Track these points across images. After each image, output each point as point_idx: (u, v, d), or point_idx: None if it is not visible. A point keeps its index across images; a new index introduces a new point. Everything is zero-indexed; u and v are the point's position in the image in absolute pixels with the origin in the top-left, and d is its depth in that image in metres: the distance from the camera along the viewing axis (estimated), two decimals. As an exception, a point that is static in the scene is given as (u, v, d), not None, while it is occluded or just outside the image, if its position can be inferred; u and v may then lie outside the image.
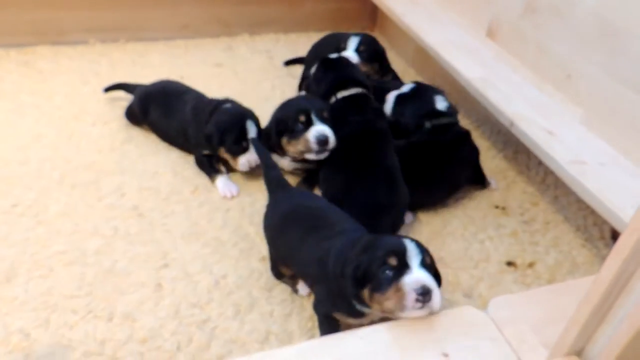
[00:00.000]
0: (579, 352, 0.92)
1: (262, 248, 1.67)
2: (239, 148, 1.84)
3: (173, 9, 2.82)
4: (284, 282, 1.56)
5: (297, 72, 2.62)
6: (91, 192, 1.82)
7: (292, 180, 1.96)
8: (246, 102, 2.35)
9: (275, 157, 1.90)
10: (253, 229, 1.74)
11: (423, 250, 1.24)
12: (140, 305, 1.45)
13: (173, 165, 1.98)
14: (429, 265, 1.22)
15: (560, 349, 0.92)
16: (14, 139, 2.01)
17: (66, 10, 2.63)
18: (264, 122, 1.98)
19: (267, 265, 1.61)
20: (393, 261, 1.17)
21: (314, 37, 2.76)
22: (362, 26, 3.11)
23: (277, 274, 1.56)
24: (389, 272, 1.16)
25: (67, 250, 1.59)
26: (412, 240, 1.27)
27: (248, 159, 1.84)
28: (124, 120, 2.17)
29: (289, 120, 1.81)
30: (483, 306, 1.54)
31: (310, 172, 1.94)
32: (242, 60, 2.74)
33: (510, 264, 1.72)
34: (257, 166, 1.86)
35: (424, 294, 1.11)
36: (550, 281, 1.66)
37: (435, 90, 1.98)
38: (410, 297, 1.11)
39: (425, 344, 1.03)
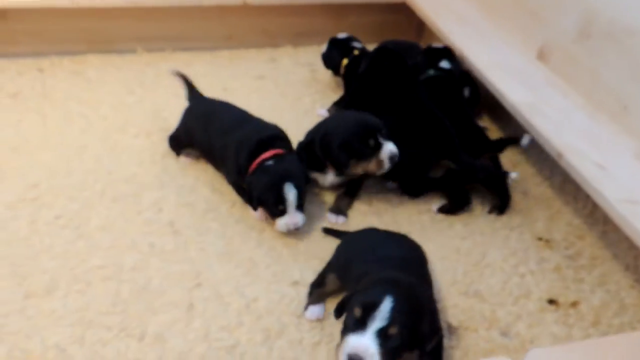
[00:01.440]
0: None
1: (295, 272, 1.66)
2: (277, 211, 1.75)
3: (219, 19, 2.86)
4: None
5: (337, 87, 2.60)
6: (130, 205, 1.85)
7: (329, 197, 1.95)
8: (286, 116, 2.37)
9: (314, 174, 1.93)
10: (287, 251, 1.74)
11: None
12: (171, 326, 1.47)
13: (212, 181, 1.99)
14: None
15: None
16: (61, 149, 2.07)
17: (116, 20, 2.70)
18: (298, 140, 1.99)
19: (298, 290, 1.60)
20: None
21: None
22: (407, 38, 3.05)
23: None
24: None
25: (104, 265, 1.62)
26: None
27: (286, 222, 1.75)
28: (165, 133, 2.20)
29: (357, 144, 1.80)
30: (521, 347, 1.50)
31: (350, 185, 1.96)
32: (284, 73, 2.75)
33: (551, 301, 1.64)
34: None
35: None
36: (595, 323, 1.57)
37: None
38: None
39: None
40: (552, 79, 2.05)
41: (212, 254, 1.70)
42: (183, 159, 2.07)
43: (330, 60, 2.54)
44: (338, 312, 1.28)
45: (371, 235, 1.68)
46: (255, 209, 1.81)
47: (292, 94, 2.58)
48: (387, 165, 1.80)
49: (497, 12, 2.43)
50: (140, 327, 1.45)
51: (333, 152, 1.83)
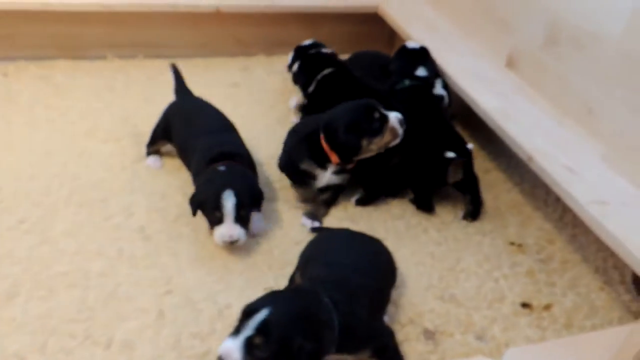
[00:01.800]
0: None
1: (269, 279, 1.63)
2: (214, 218, 1.64)
3: (192, 27, 2.84)
4: None
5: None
6: (98, 211, 1.79)
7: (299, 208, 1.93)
8: (259, 124, 2.35)
9: (315, 170, 1.90)
10: (260, 258, 1.70)
11: None
12: (140, 333, 1.41)
13: (184, 186, 1.95)
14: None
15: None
16: (26, 153, 2.00)
17: (86, 26, 2.65)
18: (271, 148, 2.00)
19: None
20: None
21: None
22: (379, 49, 3.09)
23: None
24: None
25: (69, 271, 1.56)
26: None
27: (222, 232, 1.62)
28: (135, 138, 2.15)
29: (364, 121, 1.78)
30: (496, 350, 1.50)
31: (330, 193, 1.96)
32: (258, 81, 2.74)
33: (525, 305, 1.65)
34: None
35: None
36: (567, 326, 1.58)
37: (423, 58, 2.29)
38: None
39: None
40: (521, 86, 2.09)
41: (184, 260, 1.66)
42: (151, 160, 2.03)
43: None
44: None
45: (337, 236, 1.64)
46: (193, 213, 1.69)
47: (266, 102, 2.57)
48: (400, 131, 1.80)
49: (467, 22, 2.48)
50: (107, 334, 1.40)
51: (340, 138, 1.79)
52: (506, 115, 1.93)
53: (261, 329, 1.11)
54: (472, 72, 2.20)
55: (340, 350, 1.25)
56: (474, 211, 1.95)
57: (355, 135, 1.79)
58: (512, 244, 1.87)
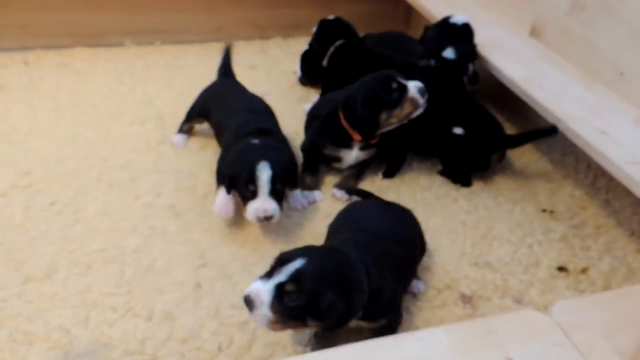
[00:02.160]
0: (662, 359, 0.84)
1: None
2: (247, 192, 1.56)
3: (208, 12, 2.83)
4: None
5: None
6: (128, 191, 1.80)
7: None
8: (279, 103, 2.34)
9: (340, 152, 1.88)
10: (292, 229, 1.70)
11: None
12: (179, 304, 1.42)
13: (210, 164, 1.94)
14: None
15: (640, 354, 0.85)
16: (52, 138, 2.01)
17: (103, 13, 2.65)
18: (293, 126, 2.03)
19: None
20: None
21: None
22: (396, 27, 3.06)
23: None
24: None
25: (105, 248, 1.57)
26: None
27: (256, 207, 1.54)
28: (159, 121, 2.16)
29: (380, 94, 1.73)
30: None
31: (359, 167, 1.94)
32: (275, 62, 2.73)
33: (561, 269, 1.63)
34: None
35: None
36: (606, 288, 1.57)
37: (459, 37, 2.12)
38: None
39: (487, 348, 0.97)
40: (547, 54, 2.06)
41: (216, 235, 1.66)
42: (178, 138, 2.03)
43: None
44: None
45: (366, 206, 1.62)
46: (228, 191, 1.60)
47: (285, 83, 2.56)
48: (421, 100, 1.73)
49: (488, -7, 2.46)
50: (147, 306, 1.40)
51: (359, 113, 1.75)
52: (534, 82, 1.90)
53: (295, 277, 1.09)
54: (496, 43, 2.17)
55: (364, 316, 1.21)
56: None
57: (372, 110, 1.74)
58: (544, 211, 1.86)
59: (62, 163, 1.89)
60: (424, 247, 1.57)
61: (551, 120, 1.78)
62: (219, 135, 1.92)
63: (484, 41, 2.20)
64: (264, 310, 1.10)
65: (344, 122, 1.81)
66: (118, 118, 2.16)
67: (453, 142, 1.92)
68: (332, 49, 2.29)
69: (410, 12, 2.99)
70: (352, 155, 1.89)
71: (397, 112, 1.76)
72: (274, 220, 1.59)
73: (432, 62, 2.12)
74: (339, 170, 1.96)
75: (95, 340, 1.31)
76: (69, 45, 2.64)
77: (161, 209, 1.74)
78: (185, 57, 2.69)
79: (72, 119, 2.13)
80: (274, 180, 1.56)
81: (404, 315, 1.40)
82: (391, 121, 1.79)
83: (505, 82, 1.98)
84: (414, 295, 1.50)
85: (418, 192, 1.92)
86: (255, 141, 1.68)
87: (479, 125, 1.93)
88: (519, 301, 1.52)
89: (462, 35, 2.12)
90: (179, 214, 1.72)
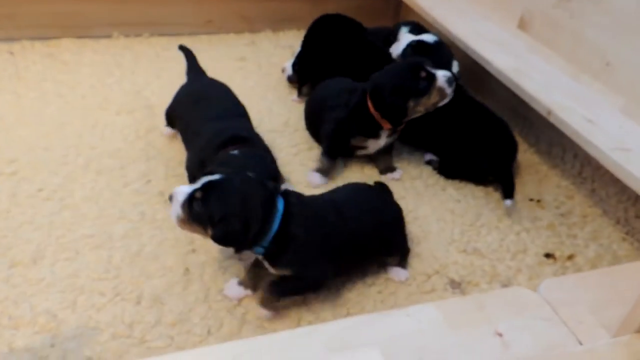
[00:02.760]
0: (649, 330, 0.86)
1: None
2: None
3: (197, 4, 2.82)
4: None
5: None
6: (116, 178, 1.78)
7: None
8: (269, 95, 2.35)
9: (367, 142, 1.87)
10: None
11: None
12: (168, 288, 1.41)
13: (199, 154, 1.94)
14: None
15: (627, 327, 0.86)
16: (38, 126, 1.98)
17: (91, 4, 2.62)
18: (284, 117, 2.03)
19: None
20: None
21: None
22: (385, 22, 3.08)
23: None
24: None
25: (93, 234, 1.55)
26: None
27: None
28: (148, 110, 2.14)
29: (409, 82, 1.71)
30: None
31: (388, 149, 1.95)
32: (265, 54, 2.72)
33: (548, 255, 1.65)
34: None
35: None
36: (592, 274, 1.59)
37: (451, 54, 2.07)
38: None
39: (477, 322, 0.98)
40: (535, 46, 2.09)
41: (206, 222, 1.65)
42: (167, 130, 2.00)
43: None
44: None
45: (352, 185, 1.59)
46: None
47: (274, 74, 2.55)
48: (448, 90, 1.72)
49: (476, -13, 2.48)
50: (135, 291, 1.39)
51: (387, 101, 1.74)
52: (522, 73, 1.93)
53: (204, 187, 1.23)
54: (485, 35, 2.19)
55: (266, 255, 1.29)
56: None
57: (401, 97, 1.73)
58: (532, 200, 1.87)
59: (48, 150, 1.87)
60: (399, 245, 1.54)
61: (539, 109, 1.80)
62: (184, 137, 1.80)
63: (472, 33, 2.22)
64: (177, 208, 1.26)
65: (373, 112, 1.79)
66: (106, 107, 2.14)
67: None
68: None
69: (400, 7, 3.01)
70: (380, 143, 1.89)
71: (424, 100, 1.74)
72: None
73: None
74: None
75: (82, 324, 1.29)
76: (57, 36, 2.61)
77: (150, 195, 1.72)
78: (174, 49, 2.61)
79: (58, 108, 2.10)
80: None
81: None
82: (418, 109, 1.77)
83: (494, 72, 2.00)
84: (402, 282, 1.50)
85: (407, 181, 1.93)
86: (234, 152, 1.57)
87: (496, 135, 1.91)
88: (507, 286, 1.52)
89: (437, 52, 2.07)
90: (168, 200, 1.71)
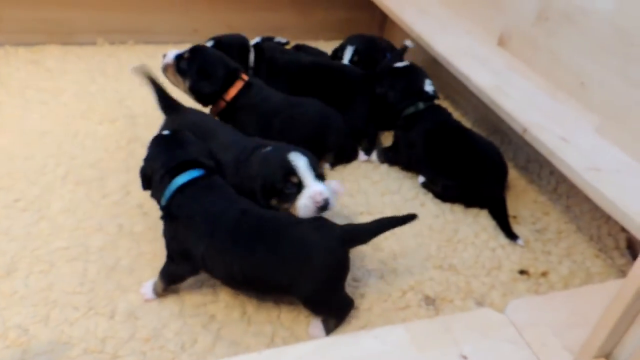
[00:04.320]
0: (607, 355, 0.88)
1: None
2: (292, 188, 1.43)
3: (183, 13, 2.83)
4: None
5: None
6: (96, 189, 1.78)
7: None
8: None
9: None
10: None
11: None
12: (143, 303, 1.41)
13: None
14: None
15: (587, 351, 0.88)
16: (19, 134, 1.98)
17: (76, 11, 2.63)
18: None
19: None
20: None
21: (323, 45, 2.76)
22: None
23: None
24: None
25: (69, 246, 1.55)
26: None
27: (310, 194, 1.39)
28: (130, 120, 2.14)
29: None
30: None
31: None
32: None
33: (523, 272, 1.67)
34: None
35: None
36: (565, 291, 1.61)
37: (424, 73, 2.08)
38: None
39: (443, 345, 0.99)
40: (513, 63, 2.12)
41: (184, 235, 1.65)
42: None
43: None
44: None
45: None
46: (264, 203, 1.44)
47: (259, 85, 2.56)
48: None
49: (458, 3, 2.51)
50: (109, 305, 1.39)
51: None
52: (500, 90, 1.95)
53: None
54: (465, 51, 2.22)
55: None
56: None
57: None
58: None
59: (28, 160, 1.86)
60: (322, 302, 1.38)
61: (516, 127, 1.83)
62: None
63: (453, 49, 2.25)
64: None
65: None
66: (88, 116, 2.14)
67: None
68: None
69: (385, 20, 3.04)
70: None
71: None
72: (332, 207, 1.44)
73: (421, 105, 2.00)
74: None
75: (55, 339, 1.29)
76: (41, 42, 2.61)
77: (129, 207, 1.72)
78: (159, 57, 2.65)
79: (40, 116, 2.10)
80: (313, 165, 1.46)
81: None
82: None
83: (473, 89, 2.03)
84: (377, 298, 1.51)
85: (387, 195, 1.94)
86: (268, 148, 1.54)
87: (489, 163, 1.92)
88: (480, 303, 1.55)
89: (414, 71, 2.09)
90: (147, 213, 1.71)
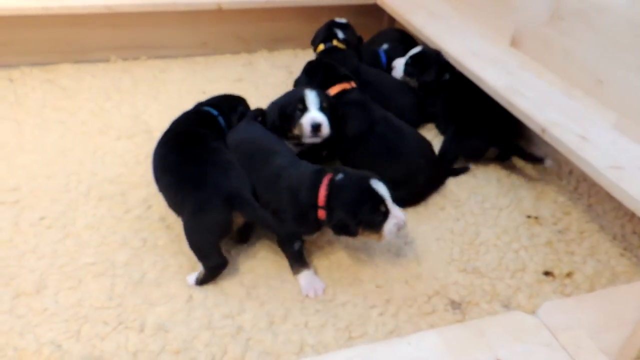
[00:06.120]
0: (647, 355, 0.87)
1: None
2: (380, 215, 1.49)
3: (192, 27, 2.85)
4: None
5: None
6: (118, 204, 1.80)
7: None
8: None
9: None
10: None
11: None
12: (172, 316, 1.42)
13: (199, 178, 1.96)
14: None
15: (626, 353, 0.87)
16: (39, 154, 2.00)
17: (88, 29, 2.66)
18: None
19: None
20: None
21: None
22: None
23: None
24: None
25: (96, 262, 1.57)
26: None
27: (395, 221, 1.49)
28: (148, 135, 2.16)
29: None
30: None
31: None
32: (262, 75, 2.75)
33: (547, 273, 1.67)
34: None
35: None
36: (591, 291, 1.60)
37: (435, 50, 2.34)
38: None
39: (477, 349, 0.99)
40: (527, 63, 2.12)
41: (207, 247, 1.66)
42: None
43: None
44: None
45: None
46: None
47: (272, 95, 2.55)
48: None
49: (468, 5, 2.52)
50: (139, 319, 1.40)
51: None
52: (515, 91, 1.95)
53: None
54: (478, 53, 2.23)
55: None
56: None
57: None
58: (529, 217, 1.89)
59: (50, 178, 1.88)
60: None
61: (534, 126, 1.82)
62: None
63: (466, 51, 2.25)
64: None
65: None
66: (106, 133, 2.16)
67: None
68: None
69: (393, 24, 3.05)
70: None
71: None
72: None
73: (447, 75, 2.31)
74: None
75: (87, 354, 1.30)
76: (54, 61, 2.64)
77: (151, 221, 1.74)
78: (171, 71, 2.70)
79: (59, 135, 2.12)
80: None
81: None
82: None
83: (488, 91, 2.03)
84: (403, 303, 1.51)
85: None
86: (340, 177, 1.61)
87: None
88: (506, 306, 1.54)
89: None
90: (170, 226, 1.73)
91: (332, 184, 1.53)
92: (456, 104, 2.22)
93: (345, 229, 1.50)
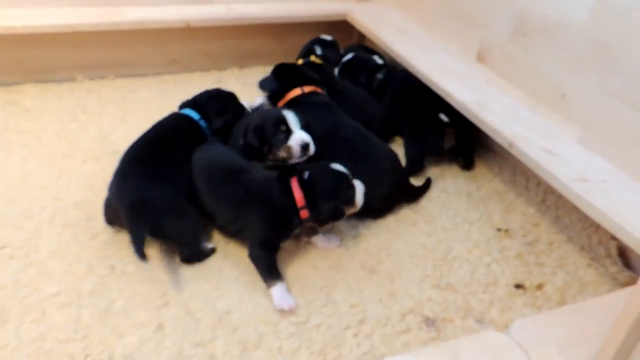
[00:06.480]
0: (615, 373, 0.88)
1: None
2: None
3: (160, 45, 2.82)
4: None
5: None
6: (84, 230, 1.75)
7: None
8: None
9: None
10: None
11: None
12: (140, 346, 1.38)
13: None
14: None
15: (595, 369, 0.88)
16: (2, 178, 1.94)
17: (52, 48, 2.60)
18: None
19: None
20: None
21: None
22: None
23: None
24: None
25: (60, 292, 1.51)
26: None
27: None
28: (115, 156, 2.10)
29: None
30: (498, 331, 1.51)
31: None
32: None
33: (518, 286, 1.68)
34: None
35: None
36: (561, 303, 1.62)
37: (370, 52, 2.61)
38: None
39: (451, 372, 0.98)
40: (493, 78, 2.16)
41: (178, 272, 1.63)
42: None
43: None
44: None
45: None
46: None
47: (243, 113, 2.56)
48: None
49: (435, 23, 2.56)
50: (106, 351, 1.36)
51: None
52: (483, 106, 1.98)
53: None
54: (445, 68, 2.26)
55: None
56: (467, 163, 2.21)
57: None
58: (499, 230, 1.92)
59: (12, 204, 1.82)
60: None
61: (501, 141, 1.85)
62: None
63: (434, 67, 2.28)
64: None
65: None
66: (71, 155, 2.11)
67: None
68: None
69: (362, 41, 3.08)
70: None
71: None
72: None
73: (380, 75, 2.52)
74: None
75: (51, 391, 1.25)
76: (17, 82, 2.57)
77: (119, 247, 1.69)
78: (140, 91, 2.66)
79: (21, 158, 2.06)
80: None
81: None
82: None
83: (456, 106, 2.05)
84: (377, 323, 1.51)
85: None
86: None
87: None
88: (480, 321, 1.55)
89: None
90: (138, 251, 1.68)
91: (304, 184, 1.63)
92: (406, 105, 2.32)
93: (336, 215, 1.64)
